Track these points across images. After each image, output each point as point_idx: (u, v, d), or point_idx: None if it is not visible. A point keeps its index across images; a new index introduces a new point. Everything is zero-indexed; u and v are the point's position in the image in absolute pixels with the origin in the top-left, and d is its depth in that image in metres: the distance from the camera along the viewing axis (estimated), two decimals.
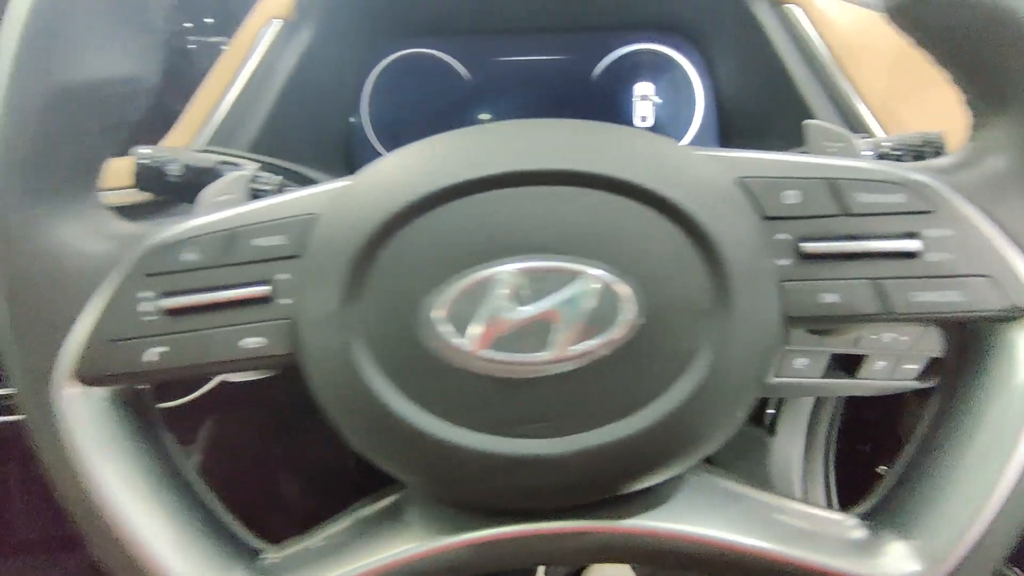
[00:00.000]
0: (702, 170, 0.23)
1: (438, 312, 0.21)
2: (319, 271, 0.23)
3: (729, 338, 0.21)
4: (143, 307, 0.23)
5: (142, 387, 0.26)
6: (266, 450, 0.55)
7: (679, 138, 0.55)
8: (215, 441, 0.40)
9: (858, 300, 0.23)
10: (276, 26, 0.46)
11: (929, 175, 0.23)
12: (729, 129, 0.54)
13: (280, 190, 0.37)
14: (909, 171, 0.23)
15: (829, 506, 0.72)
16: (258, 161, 0.37)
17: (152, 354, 0.23)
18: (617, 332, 0.21)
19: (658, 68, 0.54)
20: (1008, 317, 0.22)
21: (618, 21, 0.54)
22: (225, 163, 0.35)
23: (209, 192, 0.29)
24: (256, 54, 0.46)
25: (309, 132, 0.51)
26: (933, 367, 0.48)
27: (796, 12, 0.44)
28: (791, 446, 0.87)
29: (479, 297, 0.21)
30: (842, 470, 0.81)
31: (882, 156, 0.33)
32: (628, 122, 0.55)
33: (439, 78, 0.55)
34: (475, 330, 0.21)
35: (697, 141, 0.55)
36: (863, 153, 0.33)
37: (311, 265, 0.23)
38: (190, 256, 0.24)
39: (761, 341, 0.22)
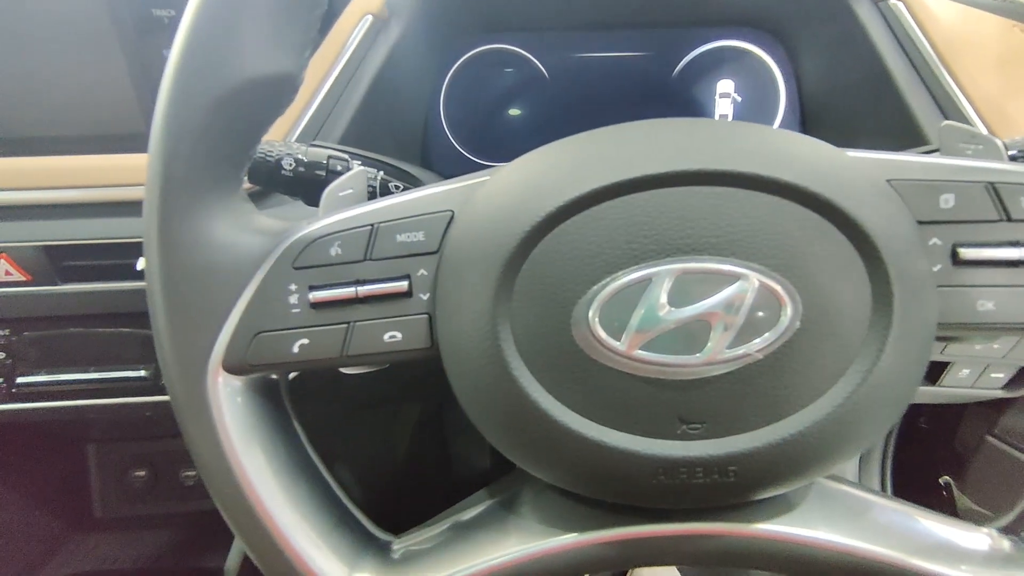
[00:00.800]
0: (858, 171, 0.22)
1: (592, 312, 0.21)
2: (464, 268, 0.23)
3: (887, 344, 0.21)
4: (291, 300, 0.24)
5: (275, 376, 0.27)
6: (341, 433, 0.56)
7: None
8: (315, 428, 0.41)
9: (1018, 309, 0.22)
10: (367, 22, 0.46)
11: None
12: (812, 129, 0.53)
13: (385, 185, 0.37)
14: None
15: None
16: (357, 156, 0.37)
17: (295, 346, 0.24)
18: (775, 336, 0.21)
19: (741, 65, 0.53)
20: None
21: (701, 17, 0.53)
22: (333, 158, 0.36)
23: (334, 187, 0.29)
24: (348, 49, 0.46)
25: (391, 125, 0.52)
26: (1020, 376, 0.47)
27: (899, 8, 0.43)
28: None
29: (635, 298, 0.21)
30: (896, 478, 0.80)
31: (1013, 159, 0.32)
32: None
33: (517, 74, 0.55)
34: (630, 331, 0.21)
35: None
36: (1009, 155, 0.32)
37: (451, 262, 0.23)
38: (335, 250, 0.24)
39: (918, 348, 0.22)
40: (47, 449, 0.63)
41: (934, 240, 0.22)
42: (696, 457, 0.21)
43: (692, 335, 0.21)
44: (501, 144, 0.56)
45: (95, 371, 0.48)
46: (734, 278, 0.21)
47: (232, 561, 0.54)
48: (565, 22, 0.54)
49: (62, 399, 0.48)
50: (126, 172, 0.44)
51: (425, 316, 0.24)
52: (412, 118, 0.54)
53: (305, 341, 0.24)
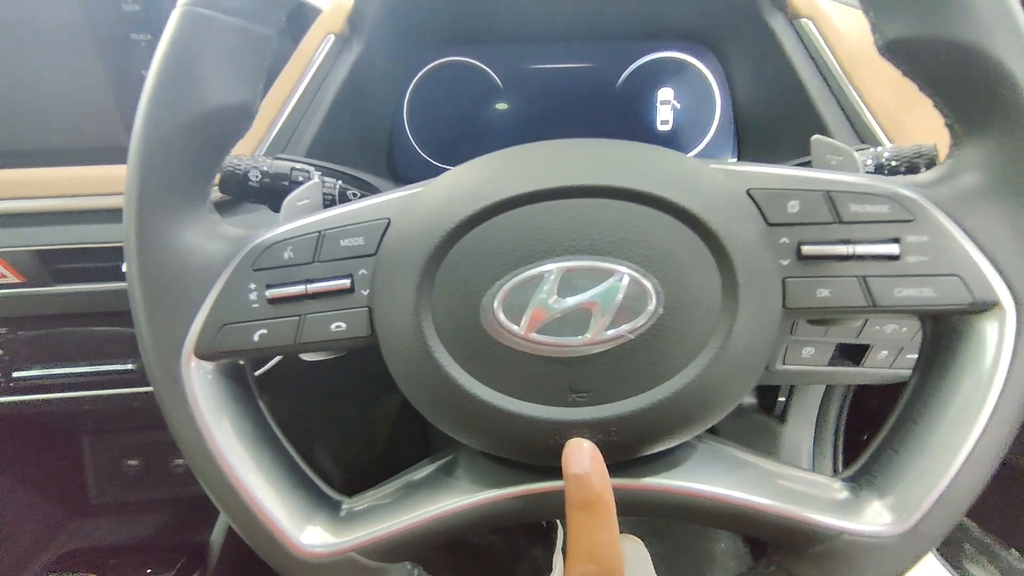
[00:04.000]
0: (717, 183, 0.27)
1: (496, 302, 0.26)
2: (395, 266, 0.27)
3: (735, 326, 0.26)
4: (250, 296, 0.28)
5: (242, 362, 0.31)
6: (327, 419, 0.60)
7: (698, 141, 0.59)
8: (286, 409, 0.46)
9: (848, 295, 0.27)
10: (330, 41, 0.51)
11: (912, 189, 0.27)
12: (745, 134, 0.57)
13: (344, 193, 0.42)
14: (895, 185, 0.27)
15: None
16: (319, 167, 0.42)
17: (256, 335, 0.28)
18: (643, 320, 0.26)
19: (680, 75, 0.58)
20: (974, 311, 0.26)
21: (642, 30, 0.58)
22: (296, 169, 0.40)
23: (292, 198, 0.34)
24: (312, 66, 0.51)
25: (356, 135, 0.56)
26: None
27: (809, 26, 0.48)
28: (800, 433, 0.90)
29: (531, 290, 0.26)
30: (848, 456, 0.85)
31: (879, 166, 0.37)
32: (651, 126, 0.59)
33: (474, 84, 0.59)
34: (527, 317, 0.26)
35: (714, 144, 0.59)
36: (864, 163, 0.37)
37: (385, 262, 0.28)
38: (288, 254, 0.28)
39: (764, 330, 0.27)
40: (45, 442, 0.68)
41: (783, 239, 0.27)
42: (583, 420, 0.26)
43: (577, 320, 0.26)
44: (461, 149, 0.61)
45: (86, 365, 0.52)
46: (609, 274, 0.26)
47: (216, 534, 0.59)
48: (517, 35, 0.59)
49: (56, 391, 0.53)
50: (111, 182, 0.48)
51: (365, 309, 0.29)
52: (377, 128, 0.58)
53: (264, 331, 0.28)
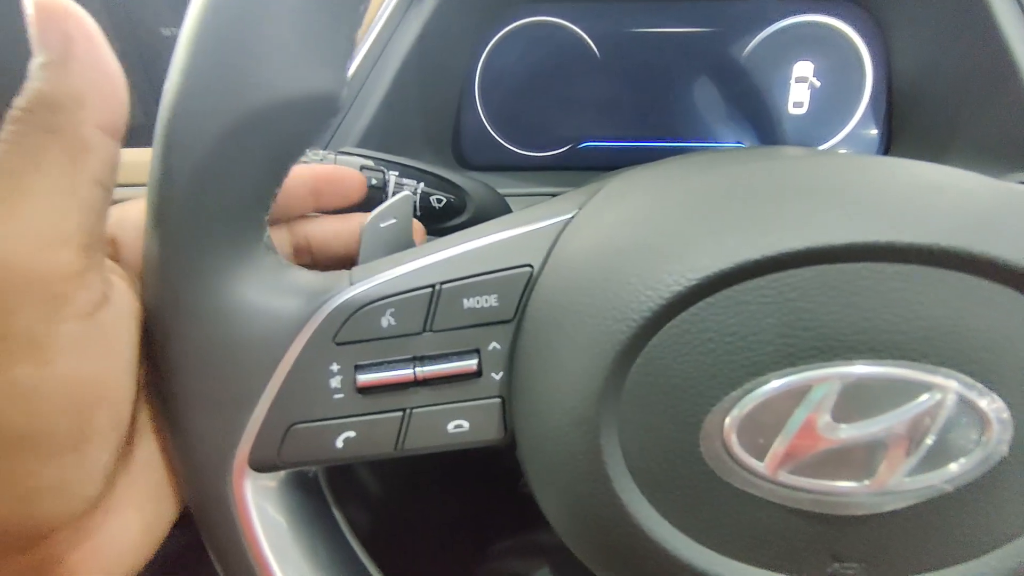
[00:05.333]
0: None
1: (729, 424, 0.16)
2: (556, 349, 0.18)
3: None
4: (332, 383, 0.19)
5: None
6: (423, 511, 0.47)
7: (838, 130, 0.47)
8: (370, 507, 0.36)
9: None
10: None
11: None
12: (902, 122, 0.46)
13: (427, 200, 0.32)
14: None
15: None
16: (393, 164, 0.32)
17: (337, 440, 0.19)
18: (972, 462, 0.16)
19: (822, 44, 0.46)
20: None
21: None
22: (366, 168, 0.30)
23: (375, 219, 0.24)
24: (373, 30, 0.40)
25: (421, 114, 0.46)
26: None
27: None
28: None
29: (786, 409, 0.16)
30: None
31: None
32: (781, 109, 0.48)
33: (562, 51, 0.48)
34: (778, 450, 0.16)
35: (856, 134, 0.47)
36: None
37: (534, 336, 0.18)
38: (388, 320, 0.19)
39: None
40: None
41: None
42: None
43: (860, 457, 0.16)
44: (543, 132, 0.50)
45: None
46: (923, 388, 0.16)
47: None
48: None
49: None
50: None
51: (498, 400, 0.19)
52: (445, 104, 0.48)
53: (351, 434, 0.19)
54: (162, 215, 0.18)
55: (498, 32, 0.48)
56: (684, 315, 0.16)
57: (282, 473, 0.20)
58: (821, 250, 0.16)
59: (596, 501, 0.18)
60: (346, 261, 0.27)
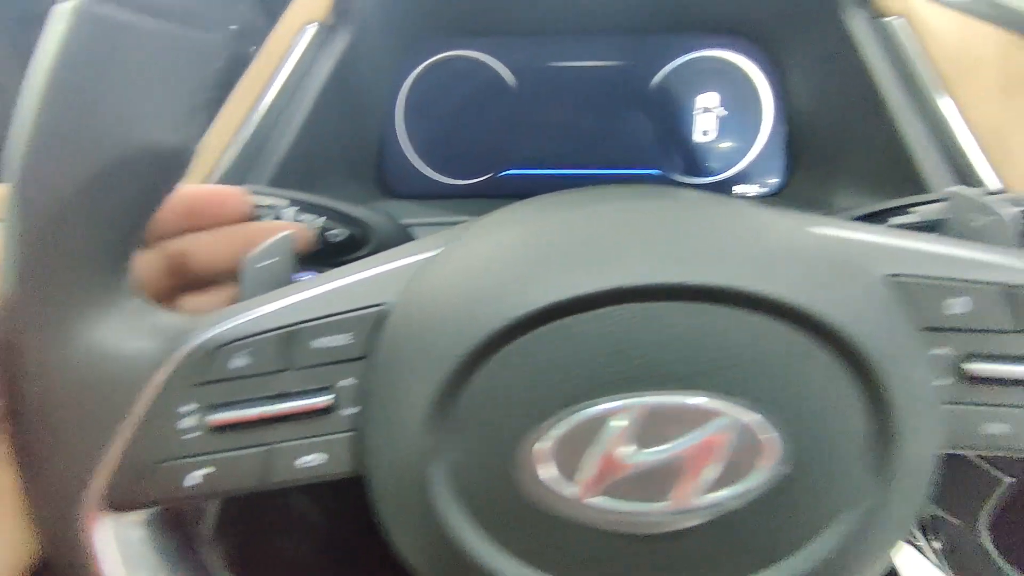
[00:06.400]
0: (849, 267, 0.19)
1: (541, 451, 0.18)
2: (395, 381, 0.19)
3: (887, 486, 0.18)
4: (185, 423, 0.20)
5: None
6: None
7: (741, 157, 0.50)
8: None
9: None
10: (311, 31, 0.41)
11: None
12: (799, 151, 0.49)
13: (326, 237, 0.33)
14: None
15: None
16: (293, 200, 0.33)
17: (195, 477, 0.20)
18: (755, 481, 0.18)
19: (725, 78, 0.49)
20: None
21: (682, 24, 0.49)
22: (261, 207, 0.31)
23: (252, 259, 0.25)
24: (290, 61, 0.41)
25: (340, 145, 0.47)
26: None
27: (898, 25, 0.39)
28: None
29: (592, 436, 0.18)
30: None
31: None
32: (688, 136, 0.50)
33: (482, 83, 0.50)
34: (585, 474, 0.18)
35: (760, 162, 0.50)
36: (1010, 212, 0.29)
37: (381, 371, 0.20)
38: (240, 362, 0.20)
39: (920, 484, 0.19)
40: None
41: (941, 350, 0.19)
42: None
43: (658, 480, 0.18)
44: (466, 161, 0.52)
45: None
46: (711, 415, 0.17)
47: None
48: (534, 27, 0.49)
49: None
50: None
51: (352, 434, 0.21)
52: (367, 135, 0.49)
53: (210, 470, 0.20)
54: (14, 259, 0.18)
55: (419, 65, 0.50)
56: (499, 353, 0.18)
57: (146, 513, 0.21)
58: (614, 292, 0.18)
59: (428, 528, 0.19)
60: (230, 274, 0.27)
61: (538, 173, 0.51)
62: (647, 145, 0.51)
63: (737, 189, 0.51)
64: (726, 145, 0.50)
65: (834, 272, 0.19)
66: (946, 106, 0.38)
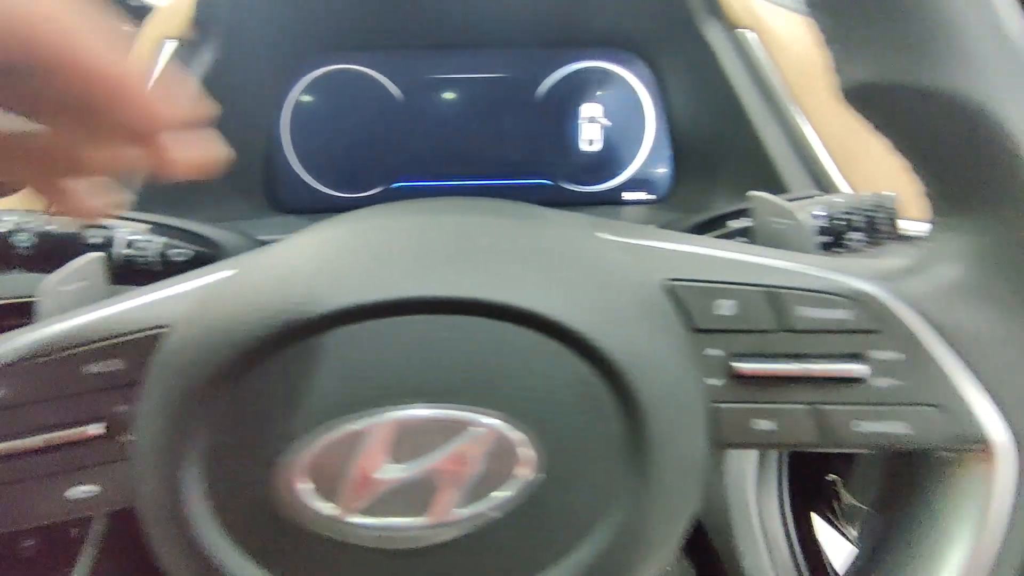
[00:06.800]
0: (617, 274, 0.19)
1: (299, 470, 0.17)
2: (154, 399, 0.19)
3: (645, 492, 0.18)
4: None
5: None
6: None
7: (629, 162, 0.51)
8: None
9: (796, 428, 0.20)
10: (170, 48, 0.41)
11: (878, 285, 0.20)
12: (682, 155, 0.50)
13: (168, 256, 0.32)
14: (856, 279, 0.20)
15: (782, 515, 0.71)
16: (141, 221, 0.32)
17: None
18: (511, 491, 0.18)
19: (607, 88, 0.50)
20: (954, 449, 0.20)
21: (564, 37, 0.50)
22: (92, 226, 0.30)
23: (53, 281, 0.24)
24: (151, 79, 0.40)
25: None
26: None
27: (750, 37, 0.41)
28: (744, 458, 0.86)
29: (348, 453, 0.17)
30: (794, 478, 0.81)
31: (833, 222, 0.30)
32: (575, 146, 0.51)
33: (368, 96, 0.50)
34: (343, 492, 0.18)
35: (648, 167, 0.51)
36: (813, 215, 0.30)
37: (146, 391, 0.19)
38: (8, 390, 0.19)
39: (687, 479, 0.19)
40: None
41: (713, 351, 0.20)
42: None
43: (416, 495, 0.18)
44: (357, 174, 0.51)
45: None
46: (460, 427, 0.18)
47: None
48: (418, 40, 0.50)
49: None
50: None
51: (124, 464, 0.20)
52: (250, 151, 0.48)
53: None
54: None
55: (301, 79, 0.49)
56: (257, 368, 0.18)
57: None
58: (369, 306, 0.17)
59: (187, 547, 0.18)
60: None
61: (431, 185, 0.51)
62: (536, 155, 0.51)
63: (626, 196, 0.52)
64: (612, 154, 0.51)
65: (598, 279, 0.19)
66: (797, 114, 0.40)
